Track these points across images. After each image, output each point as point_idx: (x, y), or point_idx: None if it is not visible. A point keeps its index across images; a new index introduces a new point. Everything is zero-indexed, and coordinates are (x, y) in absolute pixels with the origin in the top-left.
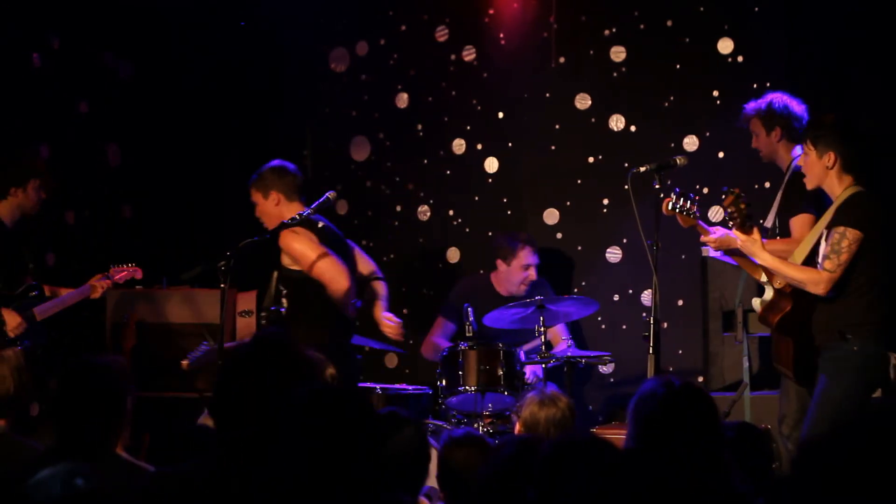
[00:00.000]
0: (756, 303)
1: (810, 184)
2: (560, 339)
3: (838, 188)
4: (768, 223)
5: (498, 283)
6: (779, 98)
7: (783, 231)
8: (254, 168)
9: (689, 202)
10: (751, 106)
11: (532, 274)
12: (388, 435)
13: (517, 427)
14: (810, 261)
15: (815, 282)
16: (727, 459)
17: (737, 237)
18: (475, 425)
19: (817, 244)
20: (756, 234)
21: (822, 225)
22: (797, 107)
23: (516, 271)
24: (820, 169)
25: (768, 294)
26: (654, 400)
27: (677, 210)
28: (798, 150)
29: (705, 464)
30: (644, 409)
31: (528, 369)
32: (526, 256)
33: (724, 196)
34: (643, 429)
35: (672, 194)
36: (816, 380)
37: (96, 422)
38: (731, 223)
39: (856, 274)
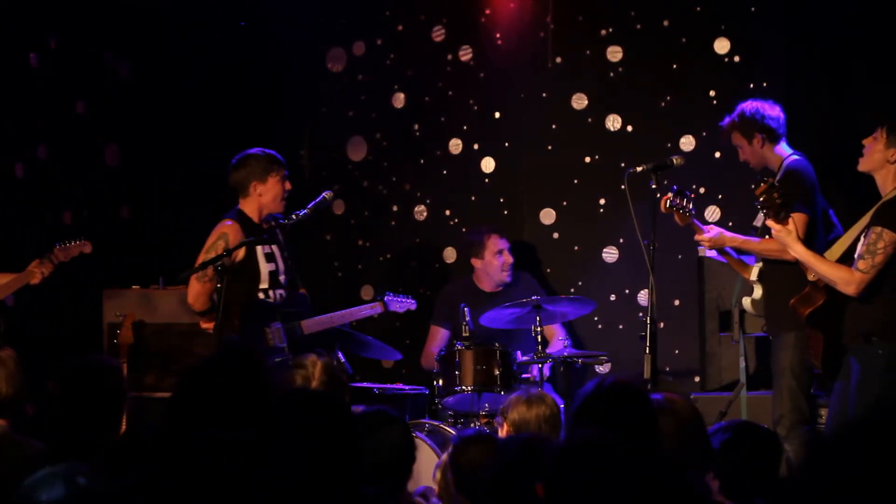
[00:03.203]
0: (746, 302)
1: (862, 166)
2: (555, 335)
3: (890, 185)
4: (758, 222)
5: (480, 281)
6: (749, 105)
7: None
8: None
9: (685, 200)
10: (725, 122)
11: (507, 257)
12: (375, 431)
13: (504, 428)
14: (848, 255)
15: (847, 281)
16: (666, 455)
17: (771, 227)
18: (472, 425)
19: (856, 239)
20: (791, 225)
21: (865, 220)
22: (770, 109)
23: (491, 261)
24: (880, 158)
25: (757, 293)
26: (582, 397)
27: (674, 208)
28: (784, 147)
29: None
30: (574, 407)
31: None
32: (494, 243)
33: (755, 185)
34: (571, 425)
35: (669, 192)
36: (842, 374)
37: (94, 422)
38: (764, 212)
39: (889, 276)
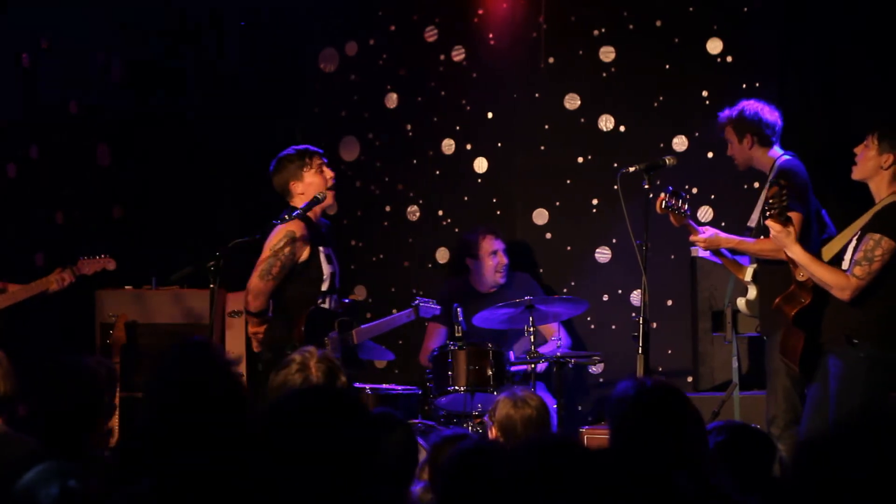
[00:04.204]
0: (741, 302)
1: (856, 174)
2: (553, 332)
3: (885, 191)
4: (752, 223)
5: (475, 281)
6: (751, 105)
7: (767, 230)
8: (244, 167)
9: (680, 201)
10: (724, 114)
11: (502, 258)
12: (380, 435)
13: (492, 430)
14: (838, 258)
15: (842, 286)
16: (706, 456)
17: (771, 227)
18: (465, 425)
19: (847, 242)
20: (791, 228)
21: (859, 224)
22: (769, 114)
23: (486, 262)
24: (874, 165)
25: (751, 293)
26: (626, 401)
27: (669, 209)
28: (777, 150)
29: (681, 461)
30: (617, 410)
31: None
32: (489, 244)
33: (769, 186)
34: (617, 429)
35: (664, 192)
36: (818, 376)
37: (74, 421)
38: (768, 212)
39: (879, 282)
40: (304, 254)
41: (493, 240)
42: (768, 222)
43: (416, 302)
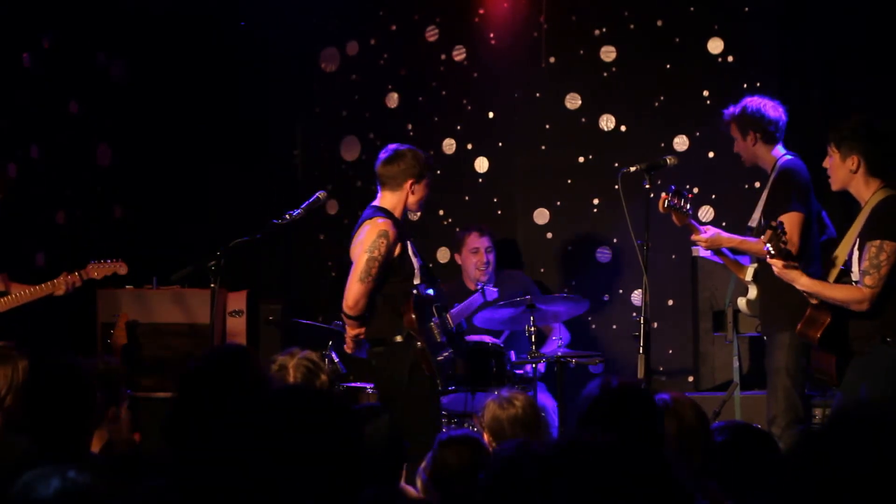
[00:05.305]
0: (741, 302)
1: (834, 186)
2: (552, 330)
3: (866, 193)
4: (753, 223)
5: (466, 279)
6: (753, 102)
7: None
8: (244, 168)
9: (683, 200)
10: (728, 111)
11: (482, 256)
12: (363, 426)
13: (485, 435)
14: (846, 269)
15: (859, 300)
16: (666, 457)
17: (774, 265)
18: (465, 425)
19: (851, 249)
20: (794, 264)
21: (855, 232)
22: (772, 111)
23: (468, 259)
24: (844, 173)
25: (752, 293)
26: (588, 400)
27: (672, 208)
28: (780, 148)
29: (643, 459)
30: (581, 409)
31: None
32: (471, 241)
33: (763, 231)
34: (579, 427)
35: (667, 191)
36: (846, 383)
37: (65, 422)
38: (769, 254)
39: (894, 282)
40: (397, 250)
41: (477, 238)
42: (771, 261)
43: (480, 285)
